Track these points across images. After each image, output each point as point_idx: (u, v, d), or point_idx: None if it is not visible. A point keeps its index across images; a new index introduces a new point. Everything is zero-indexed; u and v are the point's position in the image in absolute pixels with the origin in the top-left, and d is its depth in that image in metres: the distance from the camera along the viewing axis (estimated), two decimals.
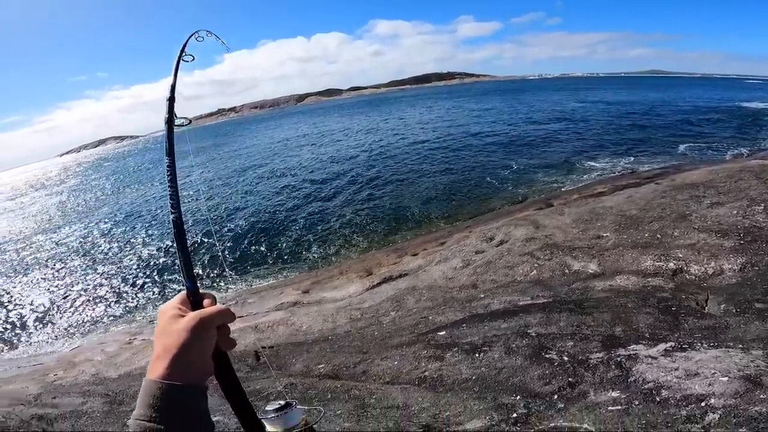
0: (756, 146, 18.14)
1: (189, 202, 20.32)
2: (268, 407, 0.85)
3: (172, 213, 0.82)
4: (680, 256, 5.93)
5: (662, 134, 22.24)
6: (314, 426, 0.89)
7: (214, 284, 11.15)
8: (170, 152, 0.89)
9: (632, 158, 17.39)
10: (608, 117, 30.58)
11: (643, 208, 8.37)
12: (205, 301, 0.74)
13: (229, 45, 1.20)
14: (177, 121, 0.93)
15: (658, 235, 6.80)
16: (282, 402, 0.85)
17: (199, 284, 0.78)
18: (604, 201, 9.66)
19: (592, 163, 17.09)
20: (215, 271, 11.87)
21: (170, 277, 11.91)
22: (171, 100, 0.94)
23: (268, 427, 0.82)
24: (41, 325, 10.63)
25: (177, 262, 0.82)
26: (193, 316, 0.68)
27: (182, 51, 1.04)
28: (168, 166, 0.86)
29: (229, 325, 0.74)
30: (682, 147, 18.71)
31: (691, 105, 37.37)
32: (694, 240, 6.45)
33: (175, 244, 0.82)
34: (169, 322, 0.68)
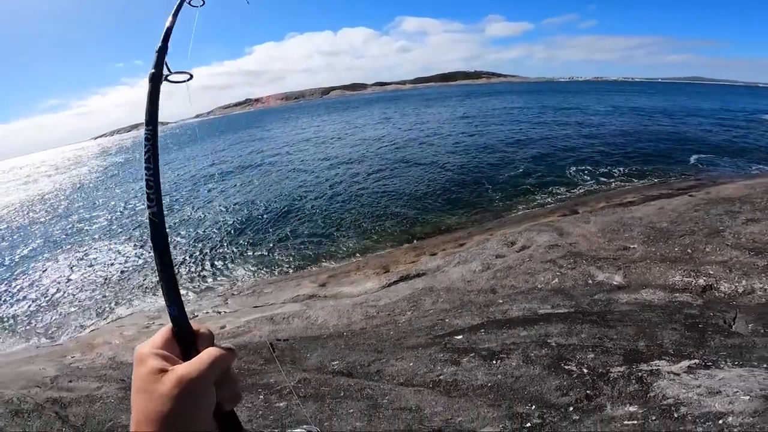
0: None
1: (210, 186, 20.75)
2: None
3: (149, 207, 0.62)
4: (711, 272, 5.71)
5: (679, 143, 21.63)
6: None
7: (231, 272, 11.31)
8: (151, 120, 0.65)
9: (641, 167, 16.82)
10: (631, 124, 29.76)
11: (674, 221, 8.10)
12: (199, 342, 0.59)
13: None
14: (173, 77, 0.69)
15: (689, 250, 6.57)
16: (303, 429, 0.77)
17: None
18: (633, 211, 9.38)
19: (603, 170, 16.67)
20: (232, 258, 12.03)
21: (194, 259, 12.13)
22: (162, 49, 0.70)
23: None
24: (62, 305, 10.85)
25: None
26: (180, 377, 0.51)
27: None
28: (147, 140, 0.63)
29: (233, 355, 0.58)
30: (693, 158, 18.10)
31: (720, 113, 36.35)
32: (726, 257, 6.21)
33: (152, 252, 0.62)
34: (149, 380, 0.51)
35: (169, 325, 0.59)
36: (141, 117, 0.66)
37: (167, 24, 0.74)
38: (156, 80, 0.68)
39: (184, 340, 0.58)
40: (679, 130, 26.02)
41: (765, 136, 23.77)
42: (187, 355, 0.57)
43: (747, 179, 12.80)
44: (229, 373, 0.57)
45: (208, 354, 0.55)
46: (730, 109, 41.73)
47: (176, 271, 0.61)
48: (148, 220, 0.61)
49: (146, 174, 0.63)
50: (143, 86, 0.69)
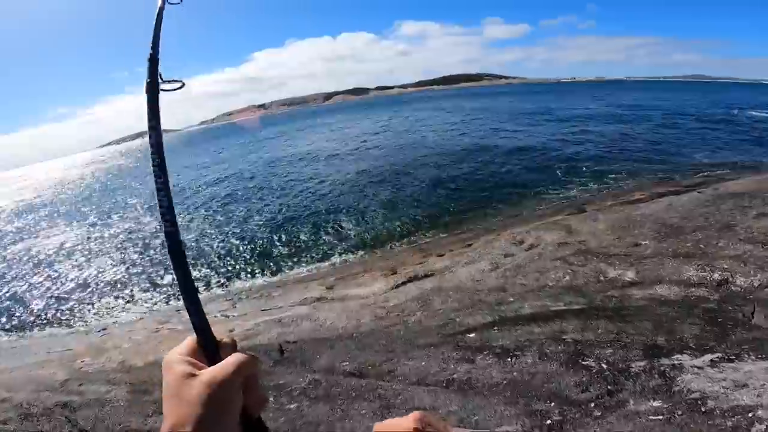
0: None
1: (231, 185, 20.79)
2: None
3: (162, 216, 0.63)
4: (725, 267, 5.61)
5: (675, 140, 22.22)
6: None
7: (240, 276, 11.29)
8: (155, 129, 0.65)
9: (643, 165, 17.04)
10: (629, 122, 30.26)
11: (684, 217, 8.00)
12: (222, 350, 0.60)
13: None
14: (164, 86, 0.69)
15: (701, 245, 6.46)
16: None
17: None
18: (642, 208, 9.29)
19: (606, 169, 16.79)
20: (240, 263, 12.01)
21: (201, 264, 12.12)
22: (153, 58, 0.69)
23: None
24: (72, 310, 10.96)
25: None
26: (209, 381, 0.53)
27: None
28: (153, 151, 0.64)
29: (256, 361, 0.59)
30: (698, 155, 18.40)
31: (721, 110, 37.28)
32: (739, 251, 6.11)
33: (172, 266, 0.63)
34: (180, 384, 0.53)
35: (194, 335, 0.61)
36: (145, 125, 0.65)
37: (153, 30, 0.72)
38: (152, 89, 0.68)
39: (209, 348, 0.60)
40: (676, 128, 26.40)
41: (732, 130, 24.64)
42: (212, 363, 0.58)
43: (756, 174, 12.68)
44: (254, 378, 0.59)
45: (233, 359, 0.57)
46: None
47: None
48: (163, 230, 0.63)
49: (157, 182, 0.63)
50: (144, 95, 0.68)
